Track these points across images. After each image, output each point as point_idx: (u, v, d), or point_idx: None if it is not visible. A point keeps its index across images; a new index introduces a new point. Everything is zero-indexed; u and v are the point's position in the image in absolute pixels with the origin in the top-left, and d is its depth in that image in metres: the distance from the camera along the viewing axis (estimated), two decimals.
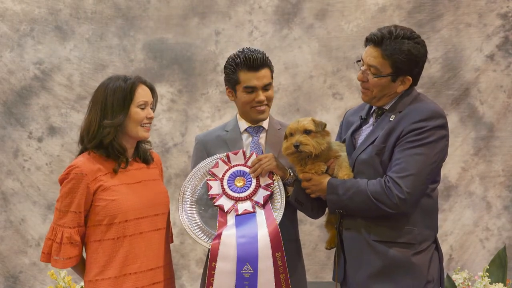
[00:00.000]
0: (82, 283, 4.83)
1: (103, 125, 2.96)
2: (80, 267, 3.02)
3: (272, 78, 3.23)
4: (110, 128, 2.96)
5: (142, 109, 3.01)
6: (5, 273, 5.38)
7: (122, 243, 2.93)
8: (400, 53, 2.83)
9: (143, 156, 3.14)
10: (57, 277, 4.75)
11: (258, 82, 3.17)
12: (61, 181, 2.95)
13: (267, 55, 3.22)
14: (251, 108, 3.22)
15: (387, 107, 2.94)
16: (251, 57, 3.16)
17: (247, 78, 3.18)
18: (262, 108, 3.21)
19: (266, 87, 3.19)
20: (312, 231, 5.27)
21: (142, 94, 3.02)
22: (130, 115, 2.99)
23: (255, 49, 3.21)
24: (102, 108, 2.98)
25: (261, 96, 3.18)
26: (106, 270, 2.93)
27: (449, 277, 4.71)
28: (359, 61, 2.96)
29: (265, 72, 3.17)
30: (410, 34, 2.87)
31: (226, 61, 3.26)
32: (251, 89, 3.18)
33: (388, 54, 2.85)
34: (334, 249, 3.11)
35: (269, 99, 3.23)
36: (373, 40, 2.89)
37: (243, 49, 3.23)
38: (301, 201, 3.08)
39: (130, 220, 2.94)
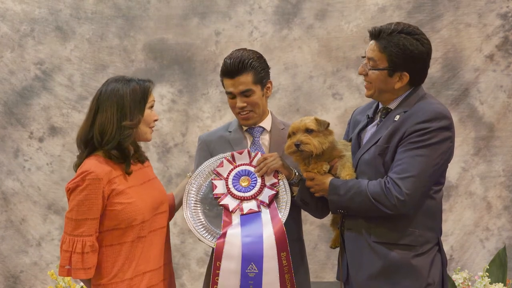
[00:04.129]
0: (82, 284, 4.85)
1: (122, 126, 2.91)
2: None
3: (257, 82, 3.19)
4: (130, 130, 2.93)
5: (151, 110, 3.03)
6: (5, 273, 5.38)
7: (138, 243, 2.93)
8: (394, 47, 2.83)
9: (139, 157, 3.13)
10: (57, 277, 4.75)
11: (234, 89, 3.16)
12: (73, 189, 2.86)
13: (252, 57, 3.17)
14: (237, 114, 3.24)
15: (392, 107, 2.93)
16: (227, 63, 3.16)
17: (226, 84, 3.20)
18: (244, 115, 3.21)
19: (245, 93, 3.17)
20: (312, 230, 5.28)
21: (152, 95, 3.04)
22: (144, 116, 2.99)
23: (239, 53, 3.18)
24: (119, 108, 2.92)
25: (239, 102, 3.17)
26: (122, 272, 2.90)
27: (449, 277, 4.72)
28: (364, 56, 2.96)
29: (242, 78, 3.14)
30: (410, 30, 2.86)
31: None
32: (231, 95, 3.19)
33: (383, 47, 2.85)
34: (338, 248, 3.12)
35: (252, 105, 3.20)
36: (371, 33, 2.91)
37: (231, 52, 3.22)
38: (306, 200, 3.08)
39: (146, 221, 2.94)
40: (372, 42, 2.91)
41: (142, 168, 3.12)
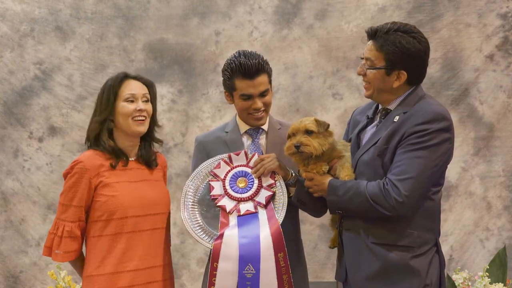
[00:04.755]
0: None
1: (92, 122, 3.08)
2: (80, 263, 3.06)
3: (270, 82, 3.20)
4: (95, 124, 3.04)
5: (131, 102, 3.04)
6: (5, 273, 5.38)
7: (120, 239, 2.96)
8: (390, 45, 2.82)
9: (146, 159, 3.15)
10: (57, 277, 4.75)
11: (254, 90, 3.13)
12: (65, 176, 3.02)
13: (264, 58, 3.17)
14: (248, 115, 3.21)
15: (392, 107, 2.92)
16: (246, 64, 3.10)
17: (243, 86, 3.14)
18: (259, 115, 3.20)
19: (263, 94, 3.16)
20: (312, 230, 5.28)
21: (128, 88, 3.05)
22: (118, 110, 3.04)
23: (251, 54, 3.15)
24: (95, 107, 3.10)
25: (258, 103, 3.16)
26: (103, 265, 2.96)
27: (449, 277, 4.72)
28: (363, 57, 2.95)
29: (261, 78, 3.13)
30: (407, 28, 2.86)
31: (224, 65, 3.22)
32: (247, 97, 3.15)
33: (380, 46, 2.84)
34: (337, 248, 3.12)
35: (267, 105, 3.20)
36: (368, 33, 2.91)
37: (239, 53, 3.17)
38: (303, 201, 3.07)
39: (129, 217, 2.97)
40: (370, 42, 2.91)
41: (146, 169, 3.15)
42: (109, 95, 3.04)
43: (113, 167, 3.02)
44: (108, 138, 3.05)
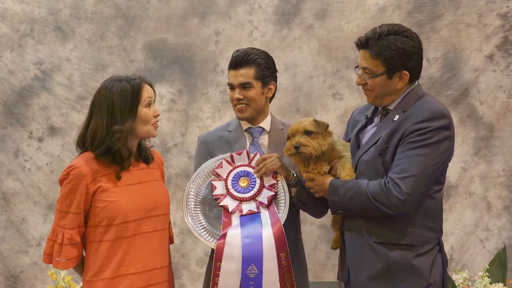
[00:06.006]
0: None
1: (112, 131, 2.91)
2: (81, 267, 3.01)
3: (258, 79, 3.24)
4: (121, 134, 2.92)
5: (149, 107, 2.99)
6: (6, 273, 5.38)
7: (121, 244, 2.91)
8: (387, 50, 2.82)
9: (144, 156, 3.11)
10: (57, 277, 4.75)
11: (234, 80, 3.23)
12: (61, 182, 2.93)
13: (260, 55, 3.24)
14: (234, 106, 3.28)
15: (391, 107, 2.92)
16: (233, 55, 3.25)
17: (229, 76, 3.27)
18: (239, 107, 3.25)
19: (244, 86, 3.22)
20: (312, 231, 5.28)
21: (146, 92, 2.99)
22: (140, 116, 2.95)
23: (248, 48, 3.28)
24: (109, 112, 2.92)
25: (236, 94, 3.23)
26: (103, 270, 2.91)
27: (449, 277, 4.72)
28: (357, 67, 2.95)
29: (244, 71, 3.21)
30: (396, 29, 2.86)
31: None
32: (230, 86, 3.27)
33: (376, 53, 2.84)
34: (338, 249, 3.12)
35: (248, 99, 3.24)
36: (358, 44, 2.91)
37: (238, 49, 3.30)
38: (304, 201, 3.08)
39: (130, 222, 2.92)
40: (362, 51, 2.90)
41: (144, 168, 3.10)
42: (132, 101, 2.94)
43: (119, 178, 2.95)
44: (129, 148, 2.99)
